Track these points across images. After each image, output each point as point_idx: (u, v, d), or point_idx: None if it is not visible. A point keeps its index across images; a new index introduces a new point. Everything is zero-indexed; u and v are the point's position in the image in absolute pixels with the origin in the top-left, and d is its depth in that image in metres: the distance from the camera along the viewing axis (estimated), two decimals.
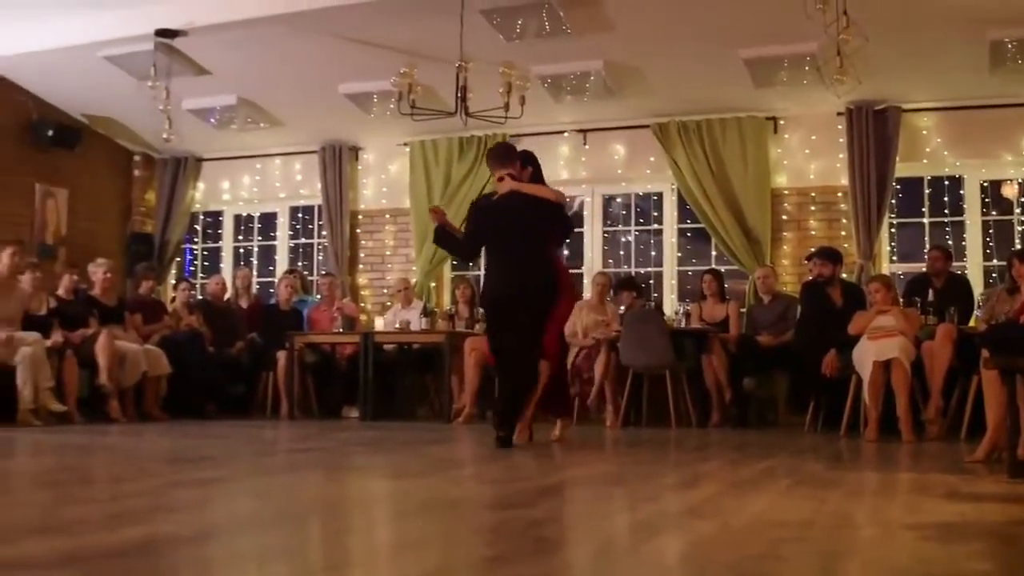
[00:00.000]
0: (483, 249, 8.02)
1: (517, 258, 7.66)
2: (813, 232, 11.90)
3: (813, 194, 11.97)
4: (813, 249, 10.85)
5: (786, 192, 12.05)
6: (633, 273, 12.63)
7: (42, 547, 3.02)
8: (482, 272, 9.04)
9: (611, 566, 3.03)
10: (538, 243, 7.77)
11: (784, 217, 12.01)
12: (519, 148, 12.69)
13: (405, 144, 13.31)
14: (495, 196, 7.81)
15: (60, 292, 11.11)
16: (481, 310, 10.95)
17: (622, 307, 11.37)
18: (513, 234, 7.69)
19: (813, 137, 11.99)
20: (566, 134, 12.86)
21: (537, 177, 8.01)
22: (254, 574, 2.85)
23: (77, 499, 4.43)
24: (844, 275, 10.73)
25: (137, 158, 14.87)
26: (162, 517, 3.87)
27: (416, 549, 3.19)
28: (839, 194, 11.84)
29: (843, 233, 11.72)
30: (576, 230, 12.92)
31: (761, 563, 2.97)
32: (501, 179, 7.80)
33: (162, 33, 10.81)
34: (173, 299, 13.15)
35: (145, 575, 2.74)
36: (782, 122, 12.08)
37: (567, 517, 4.06)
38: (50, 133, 12.98)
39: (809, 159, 12.00)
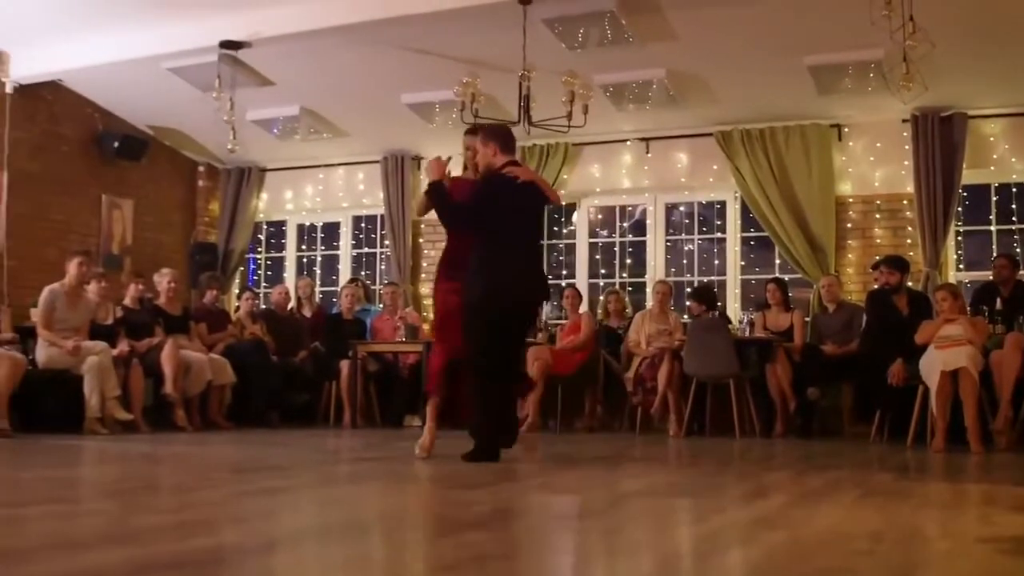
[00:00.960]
0: (486, 231, 7.09)
1: (536, 256, 7.52)
2: (878, 240, 11.80)
3: (878, 202, 11.86)
4: (878, 257, 10.78)
5: (851, 200, 11.96)
6: (695, 282, 12.58)
7: (114, 556, 3.04)
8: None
9: (690, 574, 3.01)
10: (540, 240, 7.73)
11: (849, 225, 11.92)
12: (581, 156, 12.82)
13: None
14: (519, 180, 7.14)
15: (126, 302, 11.25)
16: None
17: (685, 316, 11.33)
18: (532, 227, 7.41)
19: (878, 144, 11.89)
20: (629, 143, 12.83)
21: None
22: None
23: (146, 508, 4.46)
24: (910, 284, 10.63)
25: (201, 168, 15.01)
26: (231, 527, 3.89)
27: (488, 560, 3.18)
28: (904, 202, 11.73)
29: (909, 241, 11.61)
30: (639, 239, 12.95)
31: None
32: (515, 163, 7.34)
33: (226, 45, 10.89)
34: (237, 308, 13.25)
35: None
36: (846, 129, 11.99)
37: (637, 527, 4.04)
38: (116, 145, 13.12)
39: (874, 166, 11.90)
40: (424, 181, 13.04)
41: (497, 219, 7.04)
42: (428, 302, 13.68)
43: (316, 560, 3.14)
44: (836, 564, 3.12)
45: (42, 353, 9.98)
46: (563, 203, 7.84)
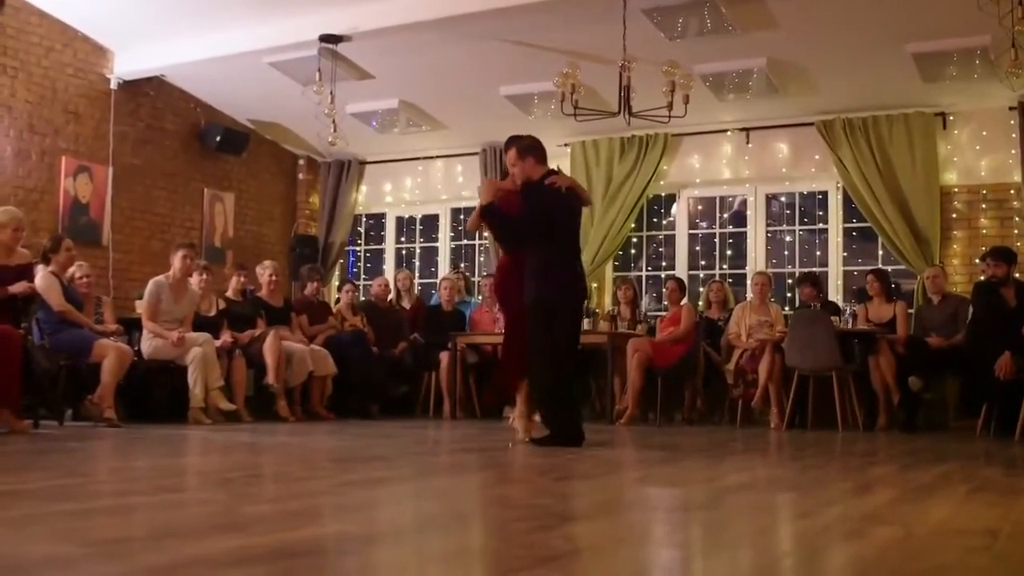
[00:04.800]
0: (539, 242, 7.56)
1: (579, 260, 7.92)
2: (984, 231, 11.57)
3: (984, 192, 11.63)
4: (985, 248, 10.59)
5: (956, 190, 11.74)
6: (796, 274, 12.46)
7: (221, 545, 3.07)
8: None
9: (801, 570, 2.97)
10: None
11: (954, 216, 11.70)
12: (681, 146, 12.77)
13: (566, 145, 13.30)
14: (562, 189, 7.53)
15: (229, 293, 11.40)
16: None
17: (786, 308, 11.23)
18: (577, 233, 7.96)
19: (984, 133, 11.65)
20: (729, 133, 12.74)
21: None
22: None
23: (252, 497, 4.49)
24: (1017, 275, 10.41)
25: (301, 162, 15.18)
26: (335, 517, 3.91)
27: (590, 553, 3.16)
28: (1011, 191, 11.49)
29: (1016, 231, 11.37)
30: (739, 230, 12.87)
31: (953, 574, 2.87)
32: (552, 171, 7.74)
33: (326, 39, 10.97)
34: (337, 300, 13.35)
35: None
36: (951, 118, 11.77)
37: (743, 522, 4.00)
38: (218, 139, 13.30)
39: (980, 155, 11.67)
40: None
41: (549, 230, 7.52)
42: None
43: (418, 552, 3.15)
44: (952, 560, 3.06)
45: (147, 344, 10.13)
46: (592, 203, 8.10)
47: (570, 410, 7.61)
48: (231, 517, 3.76)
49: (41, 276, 9.12)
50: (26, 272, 8.64)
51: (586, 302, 8.36)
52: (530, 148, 7.77)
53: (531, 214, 7.57)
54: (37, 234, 10.60)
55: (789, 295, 12.60)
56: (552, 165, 7.84)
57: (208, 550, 2.97)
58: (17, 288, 8.39)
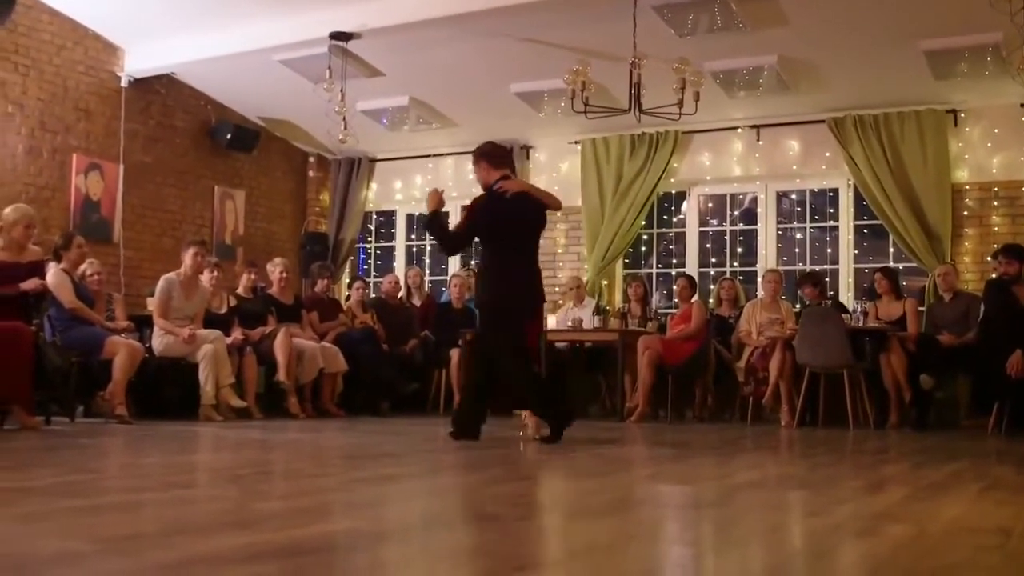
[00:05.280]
0: (487, 246, 7.87)
1: (530, 262, 7.85)
2: (996, 228, 11.53)
3: (996, 189, 11.59)
4: (996, 246, 10.55)
5: (967, 187, 11.70)
6: (807, 271, 12.42)
7: (231, 542, 3.07)
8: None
9: (812, 567, 2.96)
10: (538, 247, 8.01)
11: (965, 213, 11.67)
12: (691, 144, 12.73)
13: (576, 142, 13.30)
14: (507, 194, 7.64)
15: (239, 291, 11.42)
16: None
17: (796, 306, 11.20)
18: (526, 236, 7.85)
19: (995, 130, 11.62)
20: (739, 130, 12.71)
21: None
22: (445, 573, 2.85)
23: (262, 494, 4.49)
24: None
25: (311, 159, 15.18)
26: (345, 514, 3.91)
27: (602, 550, 3.15)
28: (1023, 188, 11.45)
29: None
30: (749, 227, 12.84)
31: (965, 572, 2.86)
32: (506, 177, 7.83)
33: (336, 36, 10.96)
34: (347, 298, 13.34)
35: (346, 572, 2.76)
36: (962, 115, 11.73)
37: (754, 519, 3.98)
38: (228, 136, 13.30)
39: (991, 152, 11.63)
40: (532, 170, 12.98)
41: (489, 234, 7.74)
42: None
43: (427, 549, 3.14)
44: (964, 558, 3.05)
45: (158, 341, 10.14)
46: (562, 206, 8.18)
47: (550, 391, 7.82)
48: (241, 514, 3.76)
49: (52, 273, 9.13)
50: (37, 269, 8.65)
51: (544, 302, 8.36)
52: (484, 154, 7.91)
53: (466, 222, 7.86)
54: (48, 231, 10.61)
55: (804, 289, 12.56)
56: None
57: (218, 547, 2.97)
58: (29, 285, 8.40)
